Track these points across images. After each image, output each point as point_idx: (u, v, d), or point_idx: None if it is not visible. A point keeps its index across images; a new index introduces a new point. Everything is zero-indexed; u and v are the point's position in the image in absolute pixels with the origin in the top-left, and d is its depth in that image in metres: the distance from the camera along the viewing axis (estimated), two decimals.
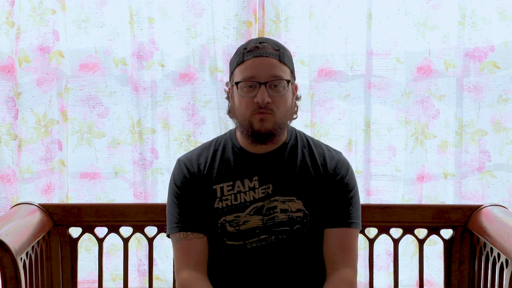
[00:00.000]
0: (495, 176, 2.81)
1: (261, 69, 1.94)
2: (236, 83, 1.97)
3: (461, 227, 2.31)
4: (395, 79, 2.79)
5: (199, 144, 2.20)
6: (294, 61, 2.07)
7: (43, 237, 2.25)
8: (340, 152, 2.12)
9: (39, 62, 2.77)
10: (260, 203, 2.01)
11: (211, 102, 2.81)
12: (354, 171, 2.14)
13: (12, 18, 2.72)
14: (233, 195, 2.02)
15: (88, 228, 2.35)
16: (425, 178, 2.82)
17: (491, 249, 2.10)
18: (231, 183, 2.02)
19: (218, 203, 2.02)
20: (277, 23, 2.76)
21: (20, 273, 1.94)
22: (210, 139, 2.16)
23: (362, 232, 2.31)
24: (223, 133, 2.38)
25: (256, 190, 2.01)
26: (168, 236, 2.06)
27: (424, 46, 2.77)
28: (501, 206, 2.31)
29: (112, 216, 2.34)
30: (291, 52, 2.09)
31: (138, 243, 2.84)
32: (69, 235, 2.34)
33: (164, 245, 2.83)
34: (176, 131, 2.84)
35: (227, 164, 2.05)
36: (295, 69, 2.08)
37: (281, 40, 2.71)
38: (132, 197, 2.85)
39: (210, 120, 2.82)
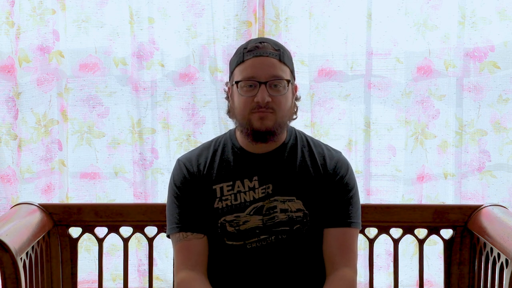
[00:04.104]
0: (495, 176, 2.81)
1: (261, 68, 1.94)
2: (236, 83, 1.97)
3: (461, 227, 2.31)
4: (395, 79, 2.79)
5: (199, 144, 2.20)
6: (294, 61, 2.06)
7: (43, 237, 2.24)
8: (340, 152, 2.11)
9: (39, 62, 2.77)
10: (260, 203, 2.01)
11: (211, 102, 2.81)
12: (354, 171, 2.14)
13: (12, 18, 2.72)
14: (233, 195, 2.02)
15: (88, 228, 2.35)
16: (425, 178, 2.82)
17: (491, 249, 2.10)
18: (231, 183, 2.02)
19: (218, 203, 2.02)
20: (277, 23, 2.76)
21: (20, 273, 1.94)
22: (210, 139, 2.16)
23: (362, 232, 2.31)
24: (223, 133, 2.38)
25: (256, 190, 2.01)
26: (168, 236, 2.06)
27: (424, 46, 2.76)
28: (501, 206, 2.31)
29: (112, 216, 2.34)
30: (291, 52, 2.09)
31: (138, 243, 2.84)
32: (69, 235, 2.34)
33: (164, 245, 2.83)
34: (176, 131, 2.84)
35: (226, 164, 2.04)
36: (295, 69, 2.07)
37: (281, 40, 2.71)
38: (132, 197, 2.85)
39: (210, 120, 2.82)
